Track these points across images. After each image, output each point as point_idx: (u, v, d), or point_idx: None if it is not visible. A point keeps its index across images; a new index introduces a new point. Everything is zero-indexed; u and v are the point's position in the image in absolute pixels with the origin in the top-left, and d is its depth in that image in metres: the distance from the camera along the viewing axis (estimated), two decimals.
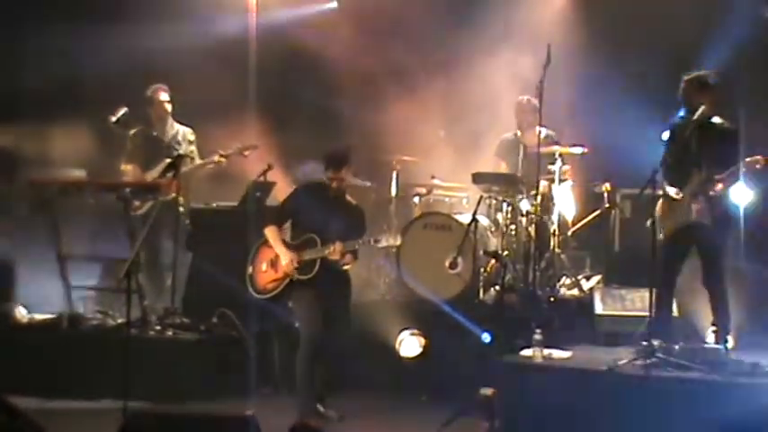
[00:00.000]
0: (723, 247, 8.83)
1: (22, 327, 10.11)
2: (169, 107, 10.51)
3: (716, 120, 8.82)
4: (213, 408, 8.59)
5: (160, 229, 10.12)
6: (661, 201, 8.81)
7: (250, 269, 9.04)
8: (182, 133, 10.52)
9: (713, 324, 8.95)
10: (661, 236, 8.78)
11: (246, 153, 10.39)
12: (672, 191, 8.76)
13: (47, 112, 11.39)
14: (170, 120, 10.54)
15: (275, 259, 8.93)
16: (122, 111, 10.27)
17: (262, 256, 9.04)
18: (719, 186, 8.61)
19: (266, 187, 10.50)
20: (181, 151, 10.26)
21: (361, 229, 8.99)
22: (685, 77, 8.89)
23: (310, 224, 8.90)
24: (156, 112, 10.50)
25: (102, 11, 11.26)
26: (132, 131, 10.47)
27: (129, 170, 10.45)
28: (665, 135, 8.92)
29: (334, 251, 8.68)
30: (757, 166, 8.56)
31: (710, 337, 8.96)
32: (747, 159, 8.57)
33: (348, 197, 9.13)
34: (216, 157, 10.33)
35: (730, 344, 9.25)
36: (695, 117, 8.71)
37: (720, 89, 8.88)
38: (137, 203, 10.15)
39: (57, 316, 10.05)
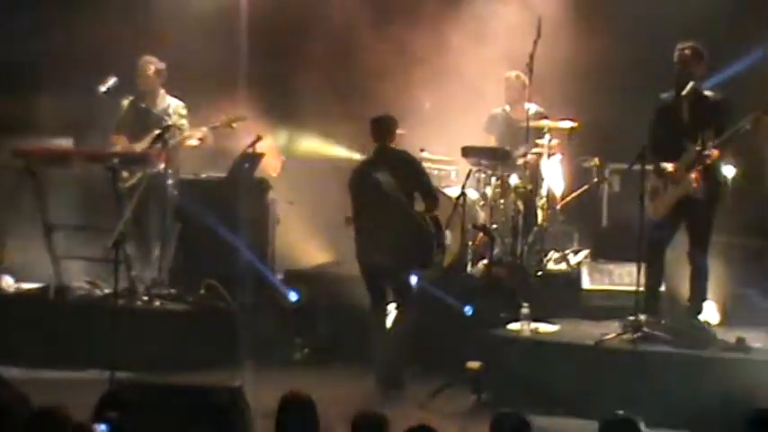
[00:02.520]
0: (712, 221, 8.80)
1: (8, 296, 10.10)
2: (159, 79, 10.44)
3: (707, 92, 8.78)
4: (200, 379, 8.58)
5: (148, 199, 10.10)
6: (652, 179, 8.76)
7: None
8: (173, 106, 10.44)
9: (689, 296, 8.89)
10: (651, 212, 8.76)
11: (234, 125, 10.34)
12: (668, 165, 8.71)
13: (34, 81, 11.32)
14: (161, 92, 10.47)
15: None
16: (112, 80, 10.21)
17: None
18: (715, 153, 8.55)
19: (255, 158, 10.47)
20: (170, 123, 10.20)
21: None
22: (682, 46, 8.77)
23: None
24: (146, 83, 10.43)
25: None
26: (124, 102, 10.43)
27: (118, 141, 10.40)
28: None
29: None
30: (762, 125, 8.49)
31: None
32: (748, 119, 8.49)
33: None
34: (204, 129, 10.28)
35: (717, 319, 9.30)
36: (686, 90, 8.64)
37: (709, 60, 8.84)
38: (125, 175, 10.11)
39: (44, 286, 10.05)
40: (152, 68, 10.39)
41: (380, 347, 9.07)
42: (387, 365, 9.06)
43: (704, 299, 8.82)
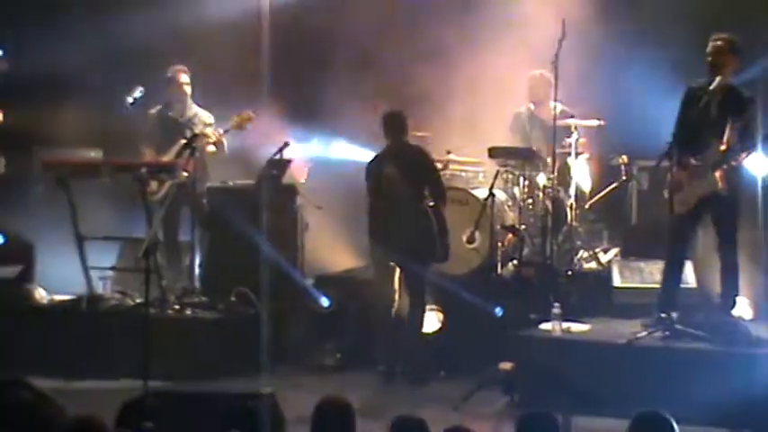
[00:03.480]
0: (738, 217, 8.73)
1: (41, 308, 10.16)
2: (188, 89, 10.49)
3: (737, 87, 8.68)
4: (232, 386, 8.60)
5: (178, 208, 10.14)
6: (675, 170, 8.69)
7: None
8: (200, 116, 10.50)
9: (720, 293, 8.83)
10: (675, 206, 8.71)
11: (246, 125, 10.30)
12: (692, 160, 8.64)
13: (63, 93, 11.39)
14: (189, 101, 10.52)
15: None
16: (138, 91, 10.25)
17: None
18: (743, 155, 8.48)
19: (282, 165, 10.49)
20: (196, 131, 10.23)
21: None
22: (716, 38, 8.64)
23: None
24: (176, 93, 10.48)
25: None
26: (150, 112, 10.48)
27: (147, 152, 10.45)
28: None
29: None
30: None
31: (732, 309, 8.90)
32: None
33: None
34: (216, 133, 10.26)
35: (749, 315, 9.25)
36: (714, 85, 8.51)
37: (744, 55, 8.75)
38: (154, 188, 10.13)
39: (76, 297, 10.10)
40: (184, 77, 10.44)
41: (395, 345, 9.24)
42: (409, 364, 9.17)
43: (735, 294, 8.74)
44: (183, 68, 10.49)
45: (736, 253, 8.74)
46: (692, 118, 8.59)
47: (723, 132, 8.51)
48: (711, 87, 8.53)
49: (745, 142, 8.47)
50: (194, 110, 10.52)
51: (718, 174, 8.47)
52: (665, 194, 8.57)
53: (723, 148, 8.48)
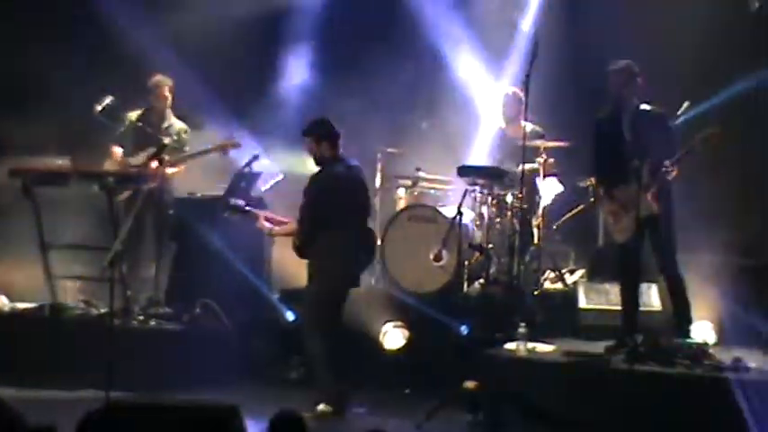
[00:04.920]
0: (675, 233, 8.76)
1: (3, 316, 10.07)
2: (169, 99, 10.49)
3: (646, 107, 8.78)
4: (196, 398, 8.54)
5: (144, 218, 10.11)
6: (606, 203, 8.83)
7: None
8: (176, 128, 10.52)
9: (674, 311, 8.88)
10: (617, 236, 8.79)
11: (229, 151, 10.35)
12: (621, 191, 8.70)
13: (30, 100, 11.32)
14: (167, 112, 10.53)
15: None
16: (108, 99, 10.24)
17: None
18: (675, 172, 8.52)
19: (252, 177, 10.46)
20: (166, 141, 10.21)
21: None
22: (612, 68, 8.82)
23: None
24: (157, 102, 10.49)
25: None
26: (130, 114, 10.45)
27: (116, 153, 10.39)
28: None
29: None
30: (712, 141, 8.46)
31: (695, 332, 8.94)
32: (703, 134, 8.50)
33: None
34: (194, 153, 10.31)
35: (713, 339, 9.29)
36: (625, 109, 8.70)
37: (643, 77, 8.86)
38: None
39: (39, 305, 10.02)
40: (166, 88, 10.44)
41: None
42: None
43: (687, 314, 8.77)
44: (165, 78, 10.50)
45: (677, 270, 8.77)
46: (609, 147, 8.74)
47: (642, 153, 8.56)
48: (621, 111, 8.72)
49: (670, 160, 8.50)
50: (172, 120, 10.52)
51: (649, 195, 8.52)
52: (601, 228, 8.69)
53: (648, 168, 8.52)
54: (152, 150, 10.05)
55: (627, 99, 8.77)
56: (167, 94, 10.50)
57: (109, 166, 10.38)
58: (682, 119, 9.24)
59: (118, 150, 10.43)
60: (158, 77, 10.53)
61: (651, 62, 9.24)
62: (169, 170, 10.31)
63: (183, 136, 10.50)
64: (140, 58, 11.12)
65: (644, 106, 8.77)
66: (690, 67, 10.30)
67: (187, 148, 10.47)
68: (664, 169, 8.45)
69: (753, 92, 10.10)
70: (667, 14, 10.73)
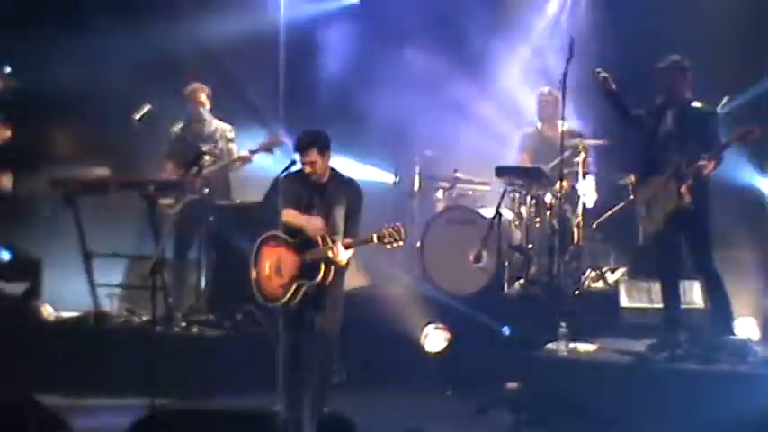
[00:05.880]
0: (709, 230, 8.69)
1: (48, 325, 10.15)
2: (207, 105, 10.53)
3: (696, 103, 8.75)
4: (239, 404, 8.60)
5: (186, 226, 10.16)
6: (641, 190, 8.83)
7: (254, 273, 8.30)
8: (220, 130, 10.54)
9: (712, 313, 8.82)
10: (647, 226, 8.77)
11: (274, 149, 10.35)
12: (657, 178, 8.70)
13: (70, 110, 11.42)
14: (208, 117, 10.56)
15: (278, 262, 8.20)
16: (146, 108, 10.29)
17: (264, 258, 8.30)
18: (710, 166, 8.46)
19: None
20: (204, 149, 10.24)
21: (352, 217, 8.21)
22: (661, 64, 8.80)
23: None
24: (194, 110, 10.52)
25: (130, 8, 11.34)
26: (172, 129, 10.51)
27: (169, 167, 10.47)
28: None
29: (334, 251, 7.97)
30: (749, 137, 8.43)
31: (737, 328, 8.88)
32: (739, 131, 8.45)
33: (335, 184, 8.30)
34: (243, 153, 10.35)
35: (757, 335, 9.23)
36: (674, 104, 8.71)
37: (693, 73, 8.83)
38: (169, 202, 10.14)
39: (83, 314, 10.10)
40: (202, 95, 10.48)
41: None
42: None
43: (727, 309, 8.66)
44: (201, 86, 10.54)
45: (711, 266, 8.68)
46: (649, 138, 8.76)
47: (683, 147, 8.55)
48: (668, 105, 8.72)
49: (708, 154, 8.45)
50: (214, 124, 10.56)
51: (683, 188, 8.48)
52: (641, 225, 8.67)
53: (686, 161, 8.49)
54: (190, 160, 10.07)
55: (677, 94, 8.74)
56: (204, 100, 10.53)
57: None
58: (721, 114, 9.17)
59: (169, 164, 10.46)
60: (194, 85, 10.56)
61: (690, 56, 9.20)
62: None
63: (229, 135, 10.53)
64: (179, 64, 11.18)
65: (695, 103, 8.74)
66: (727, 60, 10.25)
67: (233, 147, 10.49)
68: (700, 163, 8.40)
69: None
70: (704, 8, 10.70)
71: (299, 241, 8.12)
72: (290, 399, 8.09)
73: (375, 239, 7.90)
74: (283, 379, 8.18)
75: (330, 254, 7.96)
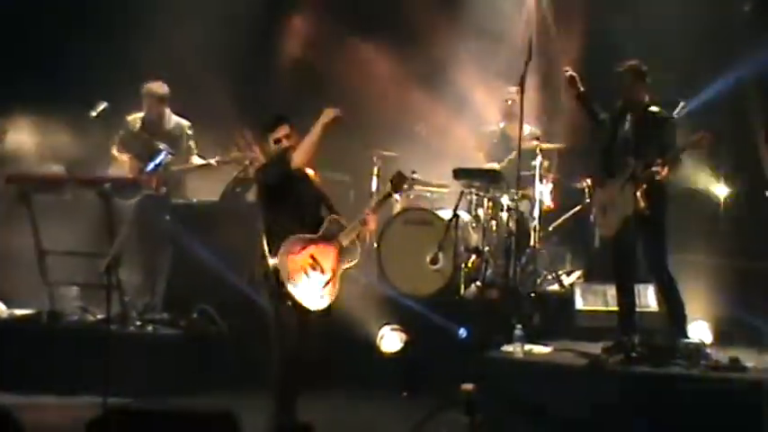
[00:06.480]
0: (664, 236, 8.75)
1: (1, 322, 10.06)
2: (165, 103, 10.44)
3: (653, 108, 8.81)
4: (193, 404, 8.55)
5: (141, 224, 10.10)
6: (598, 192, 8.90)
7: (290, 286, 7.67)
8: (180, 127, 10.46)
9: (666, 313, 8.89)
10: (603, 229, 8.84)
11: (244, 162, 10.30)
12: (612, 182, 8.75)
13: (25, 108, 11.32)
14: (167, 112, 10.46)
15: (314, 262, 7.78)
16: (102, 105, 10.24)
17: (294, 264, 7.72)
18: (665, 171, 8.48)
19: (247, 183, 10.47)
20: (161, 145, 10.17)
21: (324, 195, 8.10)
22: (620, 68, 8.85)
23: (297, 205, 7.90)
24: (153, 110, 10.42)
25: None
26: (130, 118, 10.42)
27: (120, 157, 10.37)
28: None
29: (368, 221, 7.89)
30: (703, 143, 8.48)
31: (691, 332, 8.95)
32: (693, 137, 8.50)
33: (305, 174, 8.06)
34: (210, 161, 10.31)
35: (710, 339, 9.30)
36: (632, 108, 8.76)
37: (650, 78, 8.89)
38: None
39: (36, 312, 10.02)
40: (157, 95, 10.39)
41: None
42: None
43: (681, 313, 8.74)
44: (155, 85, 10.41)
45: (667, 271, 8.74)
46: (611, 140, 8.83)
47: (639, 150, 8.60)
48: (627, 109, 8.80)
49: (663, 159, 8.50)
50: (174, 120, 10.47)
51: (638, 193, 8.53)
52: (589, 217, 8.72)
53: (641, 165, 8.54)
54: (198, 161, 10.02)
55: (635, 98, 8.80)
56: (157, 100, 10.40)
57: (115, 171, 10.35)
58: (677, 118, 9.24)
59: (123, 156, 10.37)
60: (146, 86, 10.43)
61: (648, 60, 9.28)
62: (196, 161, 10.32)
63: (188, 132, 10.46)
64: (137, 62, 11.11)
65: (653, 108, 8.79)
66: (683, 65, 10.36)
67: (192, 144, 10.43)
68: (653, 168, 8.45)
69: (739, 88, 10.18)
70: (663, 16, 10.79)
71: (325, 232, 7.87)
72: (284, 402, 7.89)
73: (390, 190, 8.05)
74: (282, 381, 7.91)
75: (368, 225, 7.92)
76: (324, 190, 8.14)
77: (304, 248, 7.77)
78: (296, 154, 7.83)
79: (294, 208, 7.86)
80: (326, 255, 7.84)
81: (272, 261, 7.66)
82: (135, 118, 10.46)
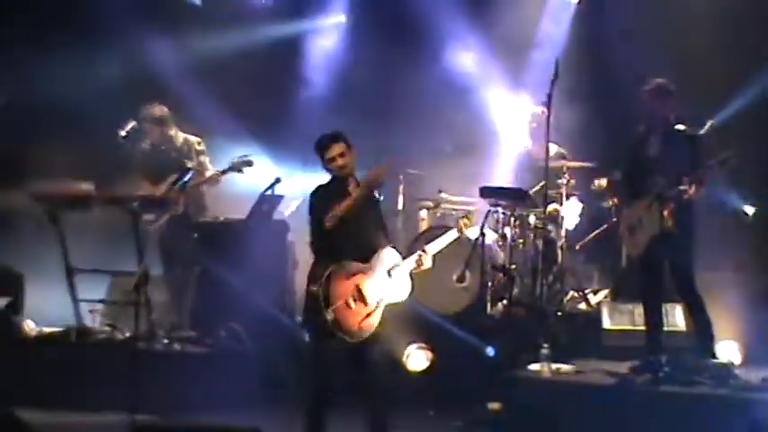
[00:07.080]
0: (691, 255, 8.73)
1: (30, 340, 10.11)
2: (169, 123, 10.45)
3: (680, 126, 8.80)
4: (220, 421, 8.57)
5: (169, 242, 10.14)
6: (626, 212, 8.91)
7: (330, 315, 7.46)
8: (189, 143, 10.49)
9: (694, 334, 8.86)
10: (630, 249, 8.81)
11: (244, 169, 10.29)
12: (640, 201, 8.74)
13: (54, 125, 11.40)
14: (173, 131, 10.50)
15: (357, 291, 7.58)
16: (131, 124, 10.28)
17: (337, 292, 7.53)
18: (692, 190, 8.46)
19: (274, 201, 10.51)
20: (189, 164, 10.23)
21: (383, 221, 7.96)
22: (646, 87, 8.86)
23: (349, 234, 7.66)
24: (152, 129, 10.44)
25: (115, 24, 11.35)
26: (141, 145, 10.48)
27: (143, 184, 10.44)
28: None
29: (422, 261, 7.87)
30: (731, 161, 8.44)
31: (720, 352, 8.90)
32: (721, 155, 8.47)
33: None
34: (213, 173, 10.32)
35: (739, 359, 9.25)
36: (658, 127, 8.78)
37: (677, 96, 8.88)
38: (151, 218, 10.11)
39: (65, 329, 10.06)
40: (154, 118, 10.40)
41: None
42: None
43: (709, 333, 8.69)
44: (153, 108, 10.41)
45: (695, 291, 8.71)
46: (636, 161, 8.84)
47: (667, 170, 8.58)
48: (653, 128, 8.81)
49: (691, 177, 8.47)
50: (182, 138, 10.51)
51: (666, 212, 8.50)
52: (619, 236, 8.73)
53: (669, 184, 8.52)
54: (174, 177, 10.03)
55: (661, 117, 8.79)
56: (160, 122, 10.40)
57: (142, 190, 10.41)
58: (705, 137, 9.21)
59: (143, 183, 10.42)
60: (148, 109, 10.42)
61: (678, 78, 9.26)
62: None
63: (199, 148, 10.48)
64: (165, 81, 11.18)
65: (679, 126, 8.78)
66: (708, 82, 10.37)
67: (204, 159, 10.46)
68: (681, 187, 8.43)
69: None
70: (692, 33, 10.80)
71: (376, 262, 7.72)
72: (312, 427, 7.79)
73: (457, 233, 8.10)
74: (312, 408, 7.81)
75: (422, 263, 7.88)
76: (382, 215, 7.95)
77: (351, 277, 7.59)
78: (331, 216, 7.53)
79: (348, 233, 7.62)
80: (373, 287, 7.66)
81: (314, 288, 7.51)
82: (145, 145, 10.50)
